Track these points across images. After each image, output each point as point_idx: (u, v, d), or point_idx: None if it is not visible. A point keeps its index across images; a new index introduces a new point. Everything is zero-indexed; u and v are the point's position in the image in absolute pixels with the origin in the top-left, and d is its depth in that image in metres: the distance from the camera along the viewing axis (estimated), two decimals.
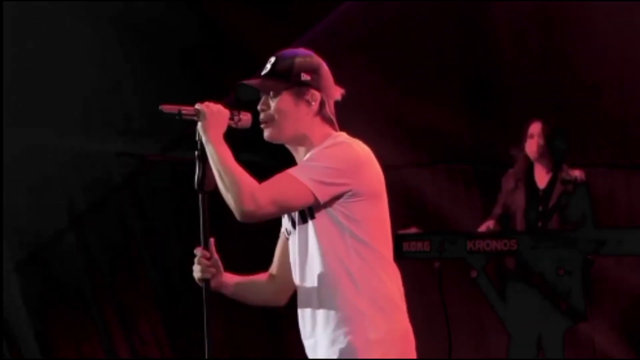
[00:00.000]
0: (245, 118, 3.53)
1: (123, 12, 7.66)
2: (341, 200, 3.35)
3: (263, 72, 3.52)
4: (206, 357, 3.51)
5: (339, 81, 3.55)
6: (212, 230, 3.53)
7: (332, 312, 3.36)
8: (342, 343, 3.34)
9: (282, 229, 3.58)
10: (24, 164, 7.47)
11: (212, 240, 3.54)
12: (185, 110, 3.46)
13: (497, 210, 7.04)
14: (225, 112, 3.45)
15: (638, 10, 7.59)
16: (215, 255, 3.55)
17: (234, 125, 3.49)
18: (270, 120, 3.48)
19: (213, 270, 3.54)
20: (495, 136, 7.98)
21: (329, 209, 3.35)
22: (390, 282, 3.39)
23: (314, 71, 3.48)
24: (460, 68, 8.26)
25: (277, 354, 8.09)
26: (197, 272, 3.54)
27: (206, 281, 3.53)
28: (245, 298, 3.68)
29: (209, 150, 3.37)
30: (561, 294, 6.66)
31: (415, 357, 3.40)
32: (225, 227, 3.89)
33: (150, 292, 8.06)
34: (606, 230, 6.64)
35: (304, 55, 3.52)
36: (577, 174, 6.77)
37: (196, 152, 3.47)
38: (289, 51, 3.55)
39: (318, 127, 3.47)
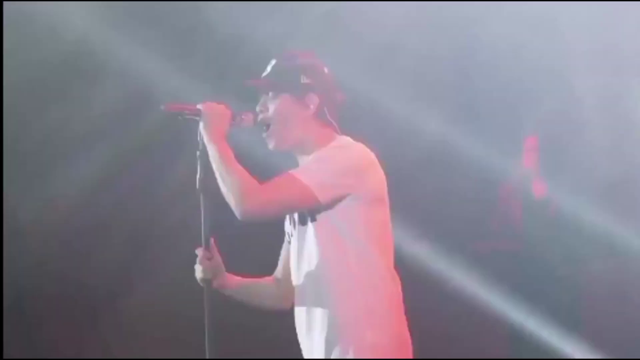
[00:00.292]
0: (248, 119, 3.52)
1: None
2: (342, 203, 3.34)
3: (263, 74, 3.53)
4: (206, 357, 3.51)
5: (338, 81, 3.56)
6: (214, 230, 3.54)
7: (328, 315, 3.36)
8: (338, 345, 3.34)
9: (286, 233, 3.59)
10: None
11: (212, 240, 3.54)
12: (188, 110, 3.47)
13: (495, 216, 7.06)
14: (228, 113, 3.46)
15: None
16: (217, 256, 3.55)
17: (236, 126, 3.49)
18: (269, 124, 3.48)
19: (214, 270, 3.54)
20: (493, 145, 7.97)
21: (330, 212, 3.35)
22: (389, 287, 3.39)
23: (314, 74, 3.48)
24: (462, 66, 8.24)
25: (274, 354, 8.09)
26: (198, 272, 3.54)
27: (207, 281, 3.53)
28: (249, 300, 3.68)
29: (211, 151, 3.38)
30: (561, 294, 6.68)
31: None
32: (226, 228, 3.88)
33: (148, 292, 8.05)
34: (604, 231, 6.65)
35: (304, 57, 3.52)
36: None
37: (197, 152, 3.47)
38: (289, 53, 3.56)
39: (319, 131, 3.47)
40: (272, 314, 3.79)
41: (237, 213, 3.30)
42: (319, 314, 3.38)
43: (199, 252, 3.54)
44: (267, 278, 3.68)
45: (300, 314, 3.46)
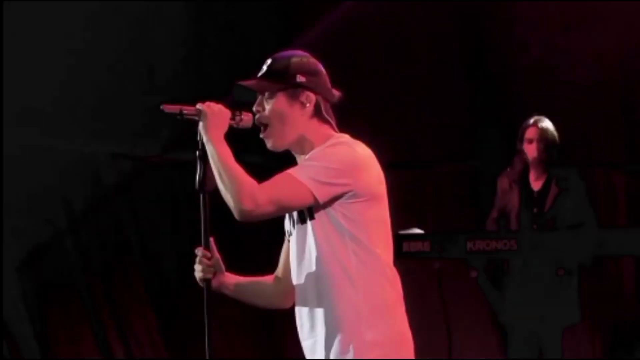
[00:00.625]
0: (247, 118, 3.52)
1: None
2: (341, 200, 3.34)
3: (259, 73, 3.53)
4: (206, 357, 3.51)
5: (338, 81, 3.56)
6: (213, 230, 3.53)
7: (329, 314, 3.36)
8: (339, 344, 3.34)
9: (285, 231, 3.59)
10: (22, 165, 7.46)
11: (212, 239, 3.54)
12: (187, 110, 3.47)
13: (495, 210, 7.05)
14: (227, 112, 3.46)
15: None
16: (217, 255, 3.55)
17: (235, 126, 3.49)
18: (266, 124, 3.48)
19: (214, 270, 3.54)
20: (494, 136, 7.98)
21: (329, 210, 3.35)
22: (389, 285, 3.39)
23: (309, 73, 3.48)
24: (461, 67, 8.25)
25: (274, 355, 8.09)
26: (198, 272, 3.54)
27: (207, 281, 3.53)
28: (249, 299, 3.67)
29: (210, 150, 3.38)
30: (561, 294, 6.66)
31: None
32: (226, 228, 3.88)
33: (146, 293, 8.05)
34: (606, 231, 6.64)
35: (299, 56, 3.52)
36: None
37: (197, 152, 3.47)
38: (285, 52, 3.56)
39: (316, 129, 3.47)
40: (273, 313, 3.79)
41: (235, 213, 3.29)
42: (319, 312, 3.38)
43: (199, 252, 3.54)
44: (267, 277, 3.67)
45: (300, 313, 3.46)
